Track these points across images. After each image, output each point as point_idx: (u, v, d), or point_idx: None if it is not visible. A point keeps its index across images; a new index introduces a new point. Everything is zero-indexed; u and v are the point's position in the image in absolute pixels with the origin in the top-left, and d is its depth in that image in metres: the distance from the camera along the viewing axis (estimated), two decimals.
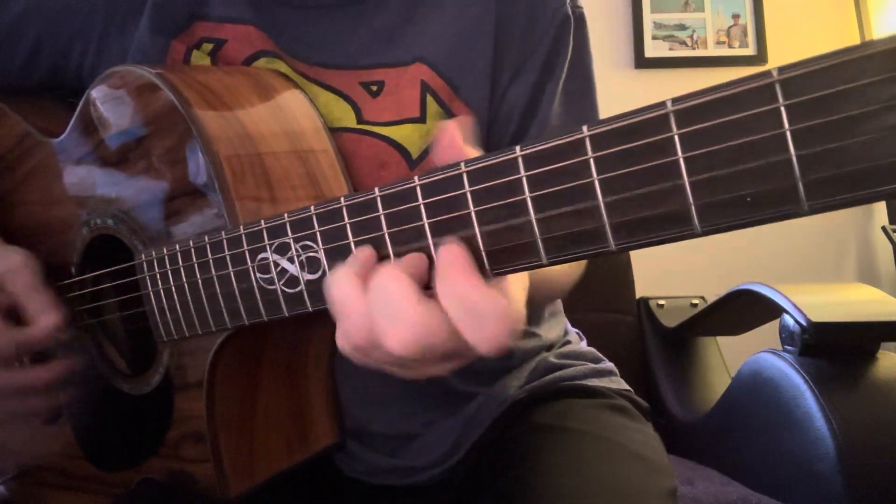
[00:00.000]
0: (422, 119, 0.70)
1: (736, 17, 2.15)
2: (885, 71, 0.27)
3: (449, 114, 0.71)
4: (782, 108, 0.29)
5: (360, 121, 0.70)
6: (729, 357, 1.43)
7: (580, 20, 0.75)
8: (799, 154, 0.29)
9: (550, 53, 0.73)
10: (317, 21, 0.72)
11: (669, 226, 0.33)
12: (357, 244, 0.45)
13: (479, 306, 0.38)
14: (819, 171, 0.29)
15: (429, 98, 0.70)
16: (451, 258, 0.40)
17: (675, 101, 0.32)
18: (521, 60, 0.72)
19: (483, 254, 0.40)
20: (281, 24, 0.72)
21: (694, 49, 2.15)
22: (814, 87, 0.28)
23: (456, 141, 0.44)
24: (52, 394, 0.73)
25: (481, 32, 0.71)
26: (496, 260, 0.39)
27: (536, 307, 0.82)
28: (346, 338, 0.43)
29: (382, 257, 0.44)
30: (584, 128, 0.35)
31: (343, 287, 0.42)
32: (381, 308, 0.40)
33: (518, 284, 0.42)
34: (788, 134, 0.29)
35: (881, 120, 0.27)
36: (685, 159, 0.32)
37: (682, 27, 2.15)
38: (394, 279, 0.40)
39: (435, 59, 0.70)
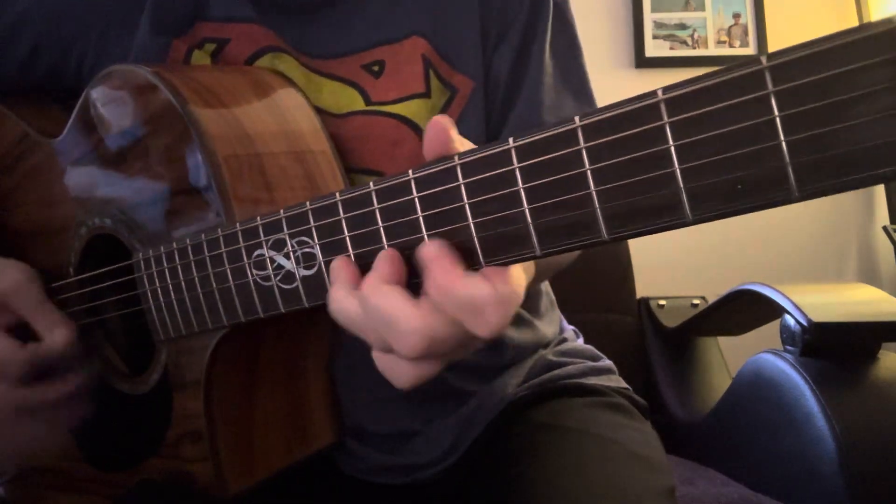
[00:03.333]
0: (427, 94, 0.71)
1: (737, 16, 2.15)
2: (873, 55, 0.27)
3: (450, 88, 0.72)
4: (771, 95, 0.29)
5: (368, 103, 0.71)
6: (729, 357, 1.43)
7: None
8: (788, 140, 0.29)
9: (531, 16, 0.73)
10: (315, 18, 0.72)
11: (662, 214, 0.33)
12: (352, 239, 0.45)
13: (469, 299, 0.38)
14: (809, 157, 0.29)
15: (431, 73, 0.71)
16: (431, 255, 0.40)
17: (665, 89, 0.32)
18: (504, 27, 0.73)
19: (477, 245, 0.40)
20: (282, 22, 0.72)
21: (694, 48, 2.15)
22: (803, 73, 0.29)
23: (446, 136, 0.44)
24: (73, 403, 0.72)
25: (468, 6, 0.72)
26: (490, 251, 0.39)
27: (537, 283, 0.82)
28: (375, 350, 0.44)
29: (372, 253, 0.44)
30: (577, 118, 0.35)
31: (345, 311, 0.43)
32: (381, 325, 0.41)
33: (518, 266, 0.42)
34: (778, 120, 0.29)
35: (870, 104, 0.27)
36: (676, 147, 0.32)
37: (682, 26, 2.15)
38: (380, 296, 0.41)
39: (430, 33, 0.71)
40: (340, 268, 0.44)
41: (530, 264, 0.46)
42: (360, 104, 0.71)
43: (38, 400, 0.69)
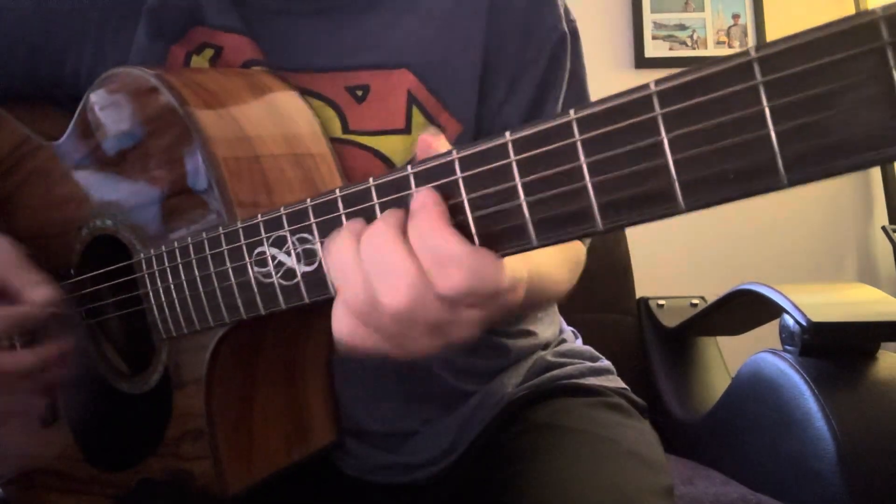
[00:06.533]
0: (407, 130, 0.70)
1: (736, 17, 2.16)
2: (858, 45, 0.28)
3: (436, 126, 0.71)
4: (760, 86, 0.30)
5: (345, 130, 0.70)
6: (729, 357, 1.43)
7: (574, 35, 0.76)
8: (777, 129, 0.30)
9: (548, 71, 0.73)
10: (304, 27, 0.72)
11: (655, 204, 0.34)
12: None
13: (443, 249, 0.39)
14: (797, 145, 0.29)
15: (415, 110, 0.70)
16: (421, 203, 0.41)
17: (657, 82, 0.33)
18: (517, 77, 0.73)
19: (475, 237, 0.40)
20: (268, 33, 0.72)
21: (694, 49, 2.16)
22: (791, 64, 0.29)
23: (436, 146, 0.44)
24: (44, 380, 0.69)
25: (470, 45, 0.71)
26: (487, 243, 0.40)
27: (527, 310, 0.82)
28: (347, 306, 0.43)
29: None
30: (571, 111, 0.36)
31: (340, 252, 0.43)
32: (373, 265, 0.41)
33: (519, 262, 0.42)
34: (766, 110, 0.30)
35: (856, 93, 0.28)
36: (668, 138, 0.33)
37: (682, 27, 2.16)
38: (380, 233, 0.41)
39: (421, 69, 0.70)
40: (352, 221, 0.44)
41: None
42: (337, 130, 0.70)
43: (15, 365, 0.66)
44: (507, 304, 0.43)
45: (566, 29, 0.74)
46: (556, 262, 0.65)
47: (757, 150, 0.30)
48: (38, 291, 0.66)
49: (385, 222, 0.42)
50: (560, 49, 0.74)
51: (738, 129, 0.31)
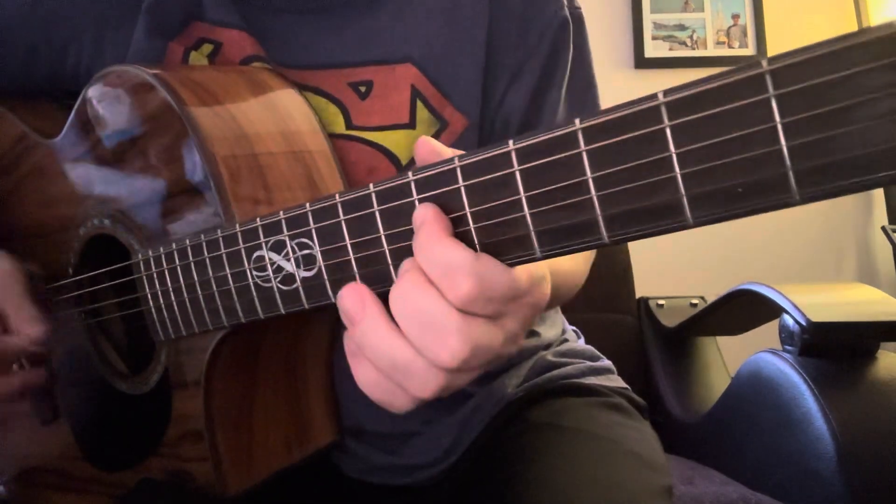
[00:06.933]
0: (411, 125, 0.70)
1: (735, 17, 2.16)
2: (874, 59, 0.27)
3: (440, 120, 0.70)
4: (772, 99, 0.29)
5: (349, 126, 0.70)
6: (729, 357, 1.43)
7: (578, 20, 0.75)
8: (789, 144, 0.29)
9: (550, 58, 0.73)
10: (305, 25, 0.71)
11: (662, 217, 0.33)
12: (352, 241, 0.45)
13: (447, 259, 0.39)
14: (810, 161, 0.29)
15: (419, 104, 0.70)
16: (422, 219, 0.40)
17: (666, 92, 0.32)
18: (518, 65, 0.72)
19: (477, 247, 0.40)
20: (269, 30, 0.71)
21: (694, 49, 2.16)
22: (804, 77, 0.28)
23: (436, 150, 0.44)
24: (33, 398, 0.73)
25: (473, 38, 0.71)
26: (490, 252, 0.39)
27: (552, 305, 0.82)
28: (392, 379, 0.42)
29: (376, 253, 0.44)
30: (577, 121, 0.35)
31: (384, 342, 0.41)
32: (417, 329, 0.40)
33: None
34: (779, 124, 0.29)
35: (871, 108, 0.27)
36: (677, 151, 0.32)
37: (681, 27, 2.16)
38: (421, 294, 0.39)
39: (424, 63, 0.70)
40: (364, 301, 0.42)
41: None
42: (340, 126, 0.70)
43: None
44: (537, 303, 0.42)
45: (567, 15, 0.73)
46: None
47: (768, 166, 0.29)
48: (29, 329, 0.67)
49: (411, 276, 0.40)
50: (561, 36, 0.73)
51: (749, 143, 0.30)
